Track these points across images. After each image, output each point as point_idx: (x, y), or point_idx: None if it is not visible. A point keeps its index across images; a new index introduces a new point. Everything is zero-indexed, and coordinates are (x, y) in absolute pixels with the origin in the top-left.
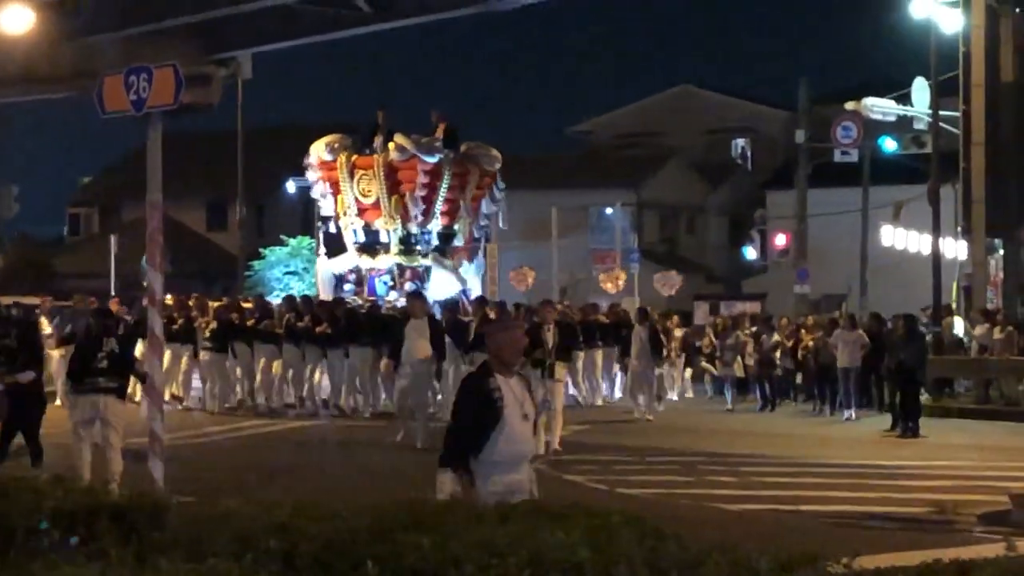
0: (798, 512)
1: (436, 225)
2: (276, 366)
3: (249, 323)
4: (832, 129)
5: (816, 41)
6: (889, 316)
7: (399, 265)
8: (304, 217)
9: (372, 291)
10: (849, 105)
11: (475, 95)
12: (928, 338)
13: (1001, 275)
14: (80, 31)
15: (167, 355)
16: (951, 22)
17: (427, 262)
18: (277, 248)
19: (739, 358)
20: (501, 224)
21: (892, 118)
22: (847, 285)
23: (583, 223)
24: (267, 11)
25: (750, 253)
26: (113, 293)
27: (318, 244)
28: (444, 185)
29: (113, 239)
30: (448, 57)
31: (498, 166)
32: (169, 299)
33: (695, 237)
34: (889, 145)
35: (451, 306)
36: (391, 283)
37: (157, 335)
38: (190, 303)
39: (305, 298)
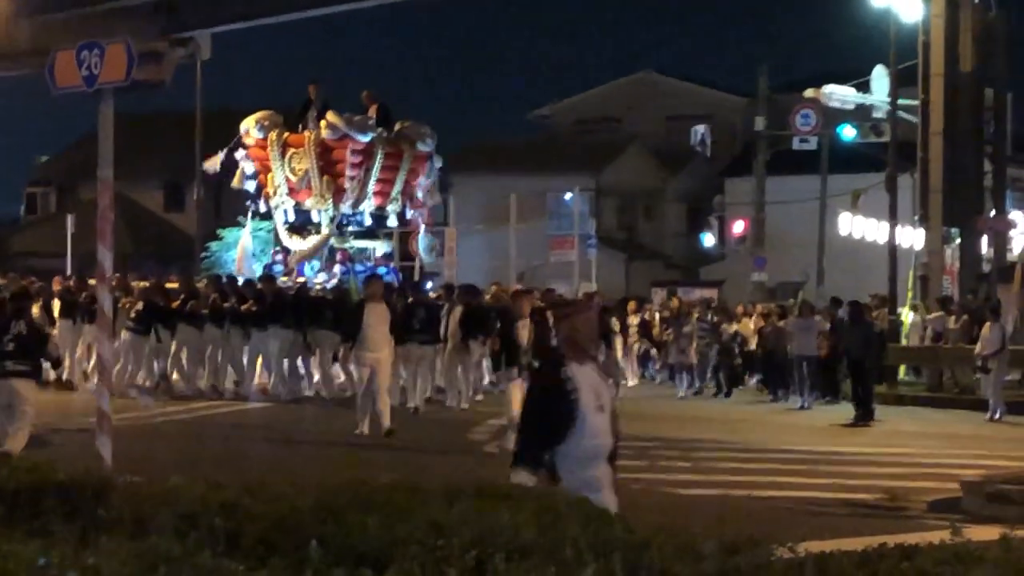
0: (749, 498)
1: (368, 206)
2: (191, 351)
3: (174, 304)
4: (791, 117)
5: (776, 28)
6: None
7: (330, 247)
8: None
9: (300, 272)
10: (808, 93)
11: (436, 78)
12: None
13: (957, 264)
14: (37, 8)
15: (87, 337)
16: (911, 11)
17: (365, 243)
18: (235, 229)
19: (693, 345)
20: (431, 201)
21: (851, 106)
22: (804, 273)
23: (541, 208)
24: None
25: (708, 240)
26: (69, 272)
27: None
28: (377, 165)
29: (70, 219)
30: (409, 39)
31: (432, 144)
32: (92, 281)
33: (653, 223)
34: (848, 133)
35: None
36: (320, 265)
37: (106, 314)
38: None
39: (231, 278)
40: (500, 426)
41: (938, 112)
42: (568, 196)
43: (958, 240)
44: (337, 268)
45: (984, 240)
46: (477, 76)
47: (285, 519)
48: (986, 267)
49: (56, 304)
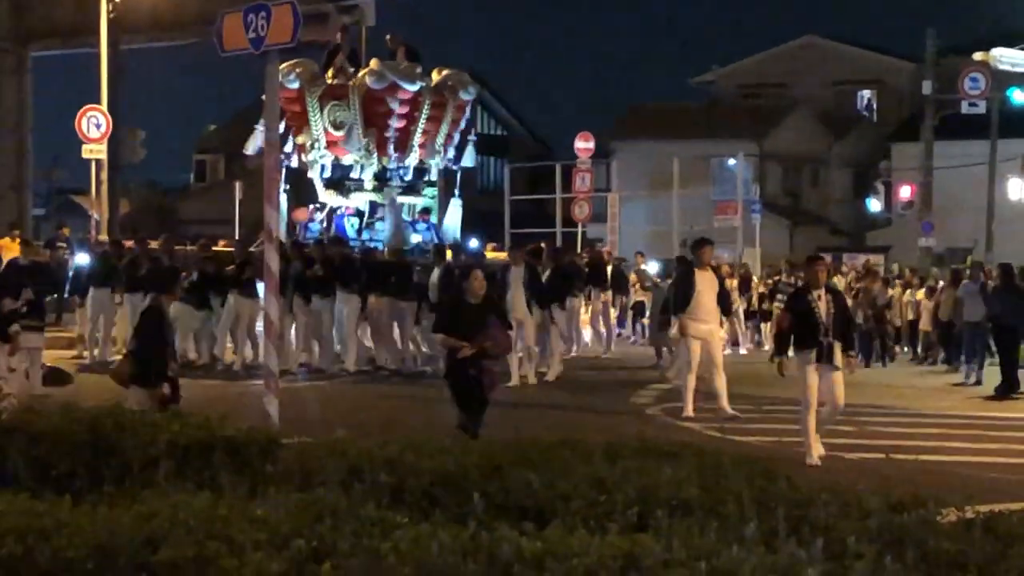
0: (916, 461)
1: (412, 159)
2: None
3: (229, 270)
4: (959, 80)
5: None
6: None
7: (372, 203)
8: None
9: (340, 231)
10: (977, 56)
11: (600, 43)
12: None
13: None
14: None
15: (128, 307)
16: None
17: (406, 198)
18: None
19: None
20: (466, 160)
21: (1021, 69)
22: (973, 238)
23: (705, 174)
24: None
25: (874, 205)
26: (237, 238)
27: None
28: (423, 116)
29: (238, 185)
30: (573, 3)
31: (474, 93)
32: (130, 243)
33: (818, 189)
34: (1018, 97)
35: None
36: (360, 223)
37: (273, 272)
38: (154, 246)
39: (295, 241)
40: (664, 390)
41: None
42: (732, 162)
43: None
44: (379, 225)
45: None
46: (641, 41)
47: (449, 474)
48: None
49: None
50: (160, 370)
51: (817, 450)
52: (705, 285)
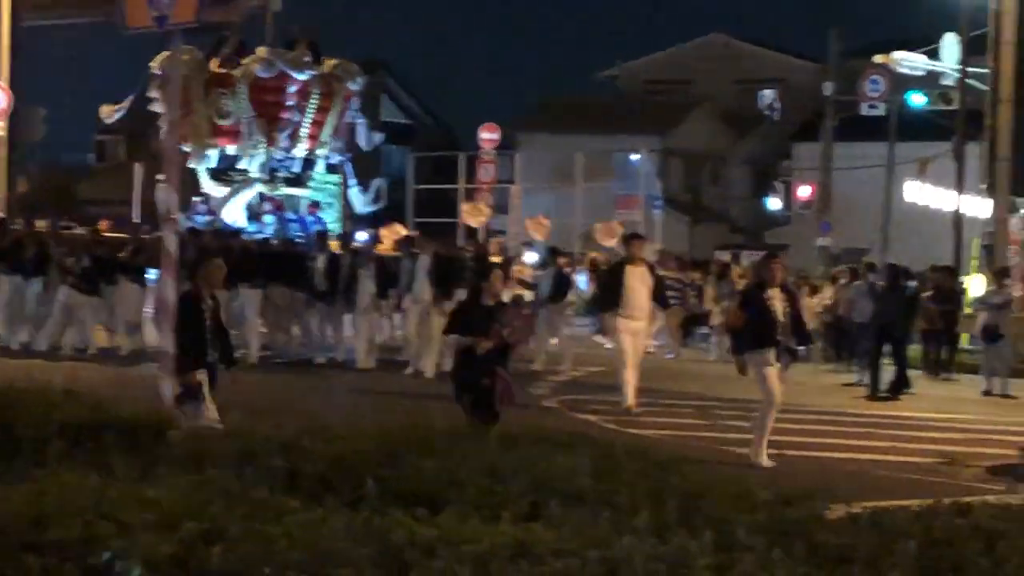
0: (805, 458)
1: (301, 150)
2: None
3: (120, 256)
4: (860, 82)
5: None
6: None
7: (260, 194)
8: None
9: (225, 223)
10: (878, 58)
11: (503, 35)
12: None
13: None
14: None
15: (9, 288)
16: None
17: (294, 191)
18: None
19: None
20: (363, 144)
21: (921, 73)
22: (870, 239)
23: (608, 169)
24: None
25: (773, 203)
26: (136, 220)
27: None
28: (312, 106)
29: (138, 167)
30: None
31: (361, 84)
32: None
33: (719, 187)
34: (916, 100)
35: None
36: (248, 214)
37: (171, 255)
38: (41, 230)
39: (192, 230)
40: (561, 383)
41: (1007, 80)
42: (635, 157)
43: None
44: (268, 218)
45: None
46: (545, 35)
47: (344, 459)
48: None
49: None
50: (196, 356)
51: (765, 453)
52: (637, 280)
